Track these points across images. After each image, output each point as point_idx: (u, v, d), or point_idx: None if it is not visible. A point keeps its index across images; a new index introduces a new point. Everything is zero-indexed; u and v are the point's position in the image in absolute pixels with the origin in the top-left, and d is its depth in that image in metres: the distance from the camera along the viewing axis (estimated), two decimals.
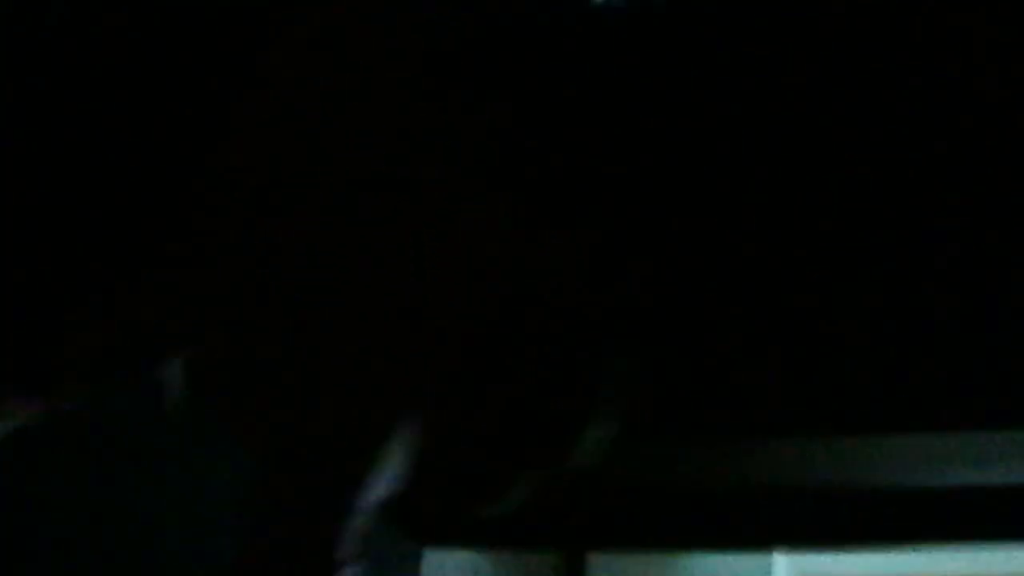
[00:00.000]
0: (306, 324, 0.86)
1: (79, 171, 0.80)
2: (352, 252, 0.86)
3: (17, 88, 0.78)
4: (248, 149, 0.83)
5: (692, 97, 1.90)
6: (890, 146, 1.92)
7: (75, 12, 0.83)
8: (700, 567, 4.56)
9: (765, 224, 1.94)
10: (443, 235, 0.88)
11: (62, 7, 0.82)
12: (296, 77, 0.85)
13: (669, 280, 1.89)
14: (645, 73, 1.85)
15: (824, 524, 2.35)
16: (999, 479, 2.13)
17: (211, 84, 0.82)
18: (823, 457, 2.04)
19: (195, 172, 0.83)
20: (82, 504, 1.90)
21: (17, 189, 0.77)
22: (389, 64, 0.87)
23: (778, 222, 1.95)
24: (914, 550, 2.70)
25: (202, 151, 0.81)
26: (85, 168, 0.80)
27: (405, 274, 0.87)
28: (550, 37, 0.92)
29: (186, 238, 0.83)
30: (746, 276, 1.92)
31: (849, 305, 1.87)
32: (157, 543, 2.02)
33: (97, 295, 0.82)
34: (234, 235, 0.84)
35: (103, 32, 0.81)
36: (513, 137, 0.91)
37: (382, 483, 0.94)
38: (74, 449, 1.86)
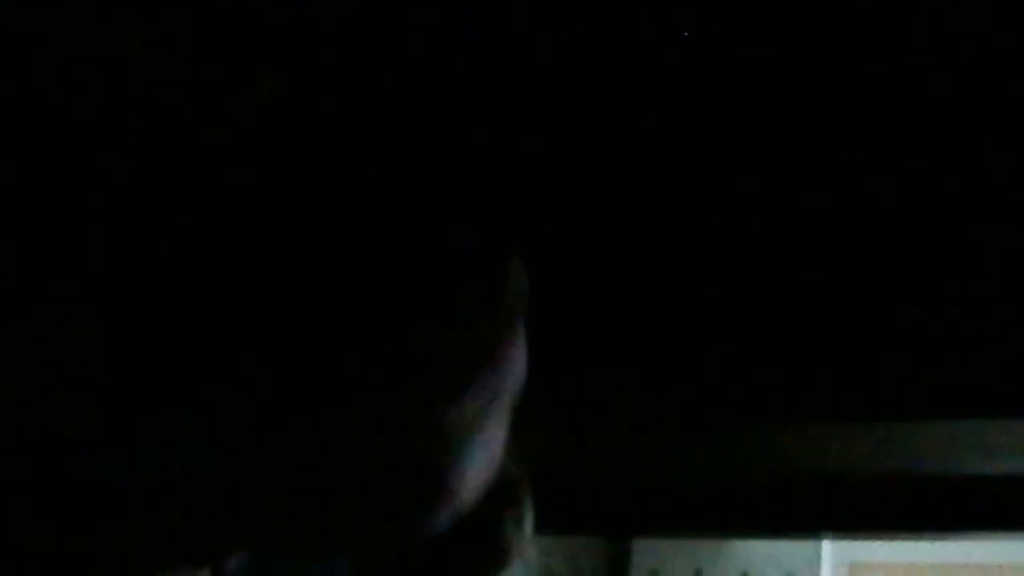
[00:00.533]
0: None
1: None
2: None
3: None
4: None
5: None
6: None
7: None
8: (747, 554, 4.56)
9: (789, 212, 1.93)
10: None
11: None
12: None
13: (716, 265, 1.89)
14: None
15: (872, 511, 2.34)
16: None
17: None
18: (871, 443, 2.03)
19: None
20: None
21: None
22: None
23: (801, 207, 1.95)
24: (964, 538, 2.69)
25: None
26: None
27: None
28: None
29: None
30: (787, 260, 1.92)
31: (889, 287, 1.86)
32: None
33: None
34: None
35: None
36: None
37: None
38: None
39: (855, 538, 3.62)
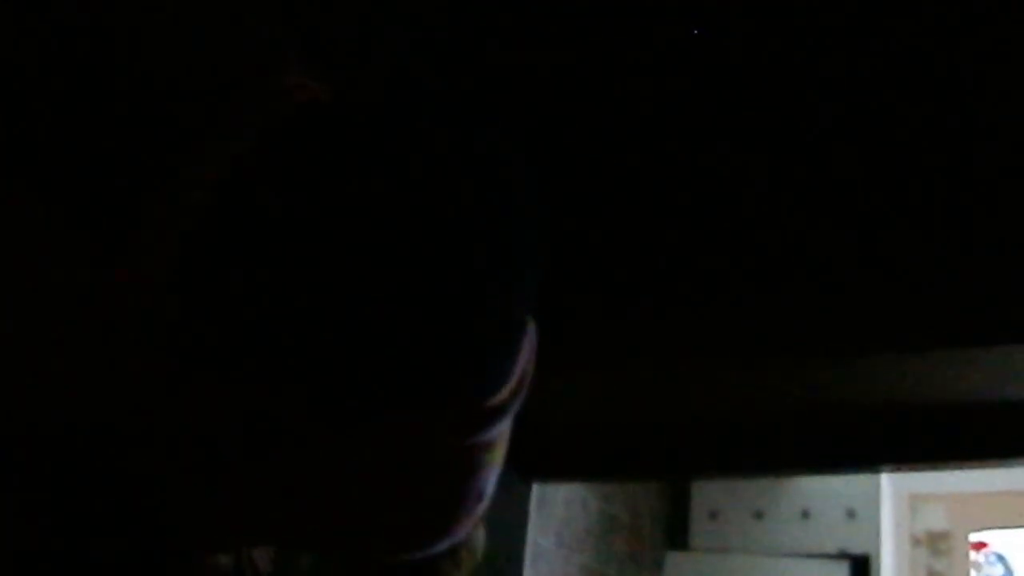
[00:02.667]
0: None
1: None
2: None
3: None
4: None
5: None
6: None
7: None
8: (806, 492, 4.58)
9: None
10: None
11: None
12: None
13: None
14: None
15: (931, 442, 2.34)
16: None
17: None
18: (928, 373, 2.03)
19: None
20: None
21: None
22: None
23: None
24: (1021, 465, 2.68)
25: None
26: None
27: None
28: None
29: None
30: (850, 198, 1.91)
31: (941, 215, 1.86)
32: None
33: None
34: None
35: None
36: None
37: None
38: None
39: (914, 469, 3.62)
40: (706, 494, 4.36)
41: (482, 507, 1.02)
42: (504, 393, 0.91)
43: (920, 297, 1.81)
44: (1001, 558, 4.47)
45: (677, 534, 4.35)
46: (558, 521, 3.53)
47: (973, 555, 4.48)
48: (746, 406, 2.20)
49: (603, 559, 3.83)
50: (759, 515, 4.26)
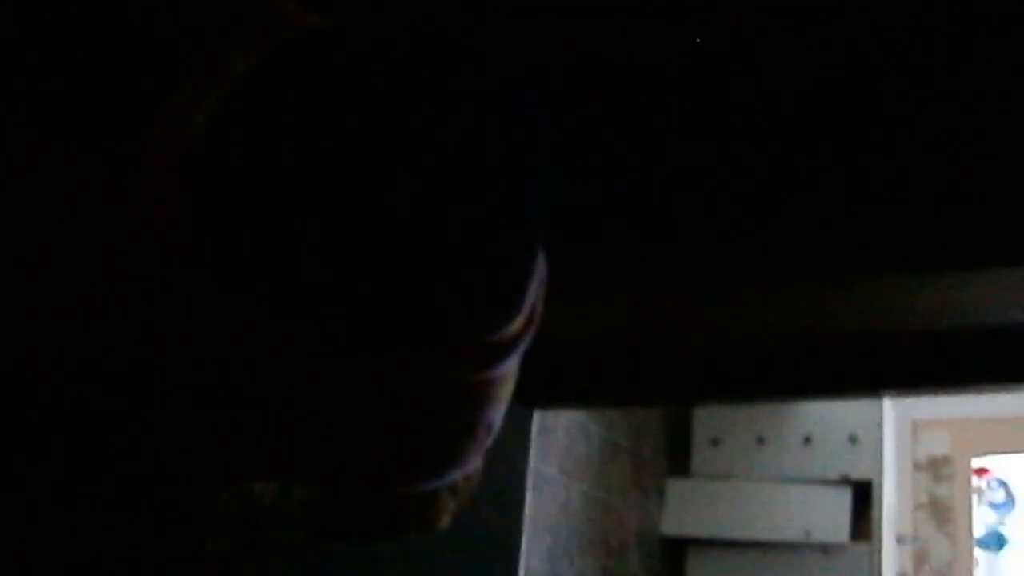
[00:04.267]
0: None
1: None
2: None
3: None
4: None
5: None
6: None
7: None
8: (808, 418, 4.59)
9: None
10: None
11: None
12: None
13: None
14: None
15: (932, 366, 2.34)
16: None
17: None
18: (926, 297, 2.02)
19: None
20: None
21: None
22: None
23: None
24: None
25: None
26: None
27: None
28: None
29: None
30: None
31: (939, 140, 1.83)
32: None
33: None
34: None
35: None
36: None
37: None
38: None
39: (916, 395, 3.62)
40: (708, 421, 4.37)
41: (490, 439, 1.03)
42: (513, 328, 0.90)
43: (923, 220, 1.79)
44: (1003, 483, 4.49)
45: (679, 461, 4.37)
46: (560, 449, 3.54)
47: (975, 480, 4.50)
48: (748, 332, 2.19)
49: (605, 486, 3.85)
50: (761, 441, 4.27)
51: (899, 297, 1.98)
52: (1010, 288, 1.92)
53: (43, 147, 0.87)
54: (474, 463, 1.03)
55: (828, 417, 4.23)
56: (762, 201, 1.78)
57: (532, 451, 3.25)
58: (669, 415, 4.45)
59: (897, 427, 4.37)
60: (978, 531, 4.36)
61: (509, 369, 0.96)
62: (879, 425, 4.14)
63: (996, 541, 4.35)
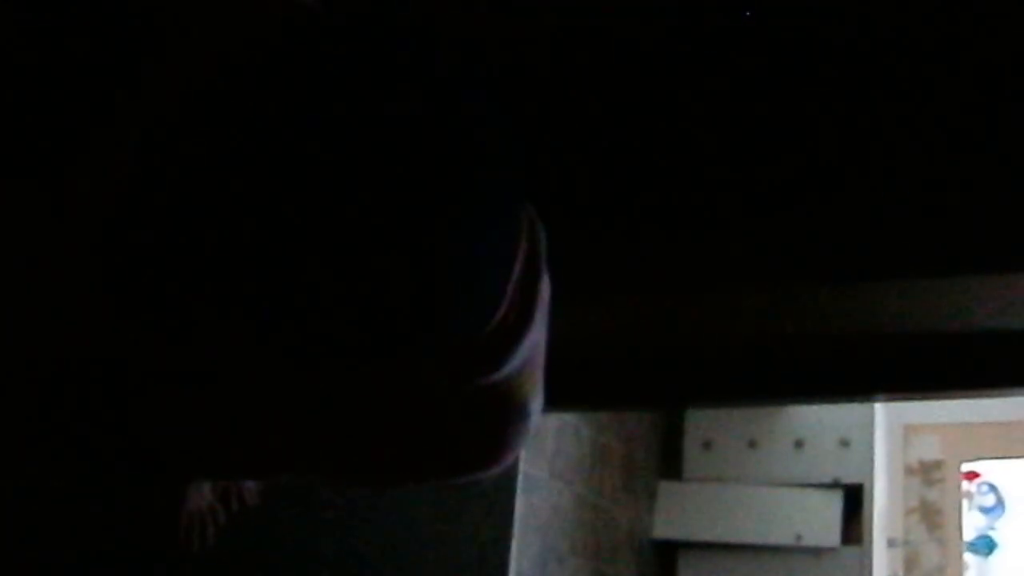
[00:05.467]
0: None
1: None
2: None
3: None
4: None
5: None
6: None
7: None
8: (800, 422, 4.59)
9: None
10: None
11: None
12: None
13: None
14: None
15: (924, 371, 2.34)
16: None
17: None
18: (920, 301, 2.02)
19: None
20: None
21: None
22: None
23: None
24: (1017, 394, 2.68)
25: None
26: None
27: None
28: None
29: None
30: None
31: (935, 143, 1.83)
32: None
33: None
34: None
35: None
36: None
37: None
38: None
39: (907, 399, 3.62)
40: (699, 424, 4.37)
41: (532, 425, 1.00)
42: (496, 323, 0.85)
43: (916, 225, 1.78)
44: (993, 488, 4.50)
45: (670, 464, 4.37)
46: (550, 451, 3.54)
47: (965, 485, 4.51)
48: (740, 335, 2.19)
49: (595, 489, 3.84)
50: (753, 445, 4.27)
51: (892, 301, 1.98)
52: (1003, 293, 1.92)
53: None
54: (519, 447, 1.00)
55: (820, 421, 4.24)
56: (755, 204, 1.78)
57: (522, 453, 3.25)
58: (661, 418, 4.45)
59: (888, 431, 4.37)
60: (968, 535, 4.37)
61: (519, 367, 0.91)
62: (870, 429, 4.15)
63: (986, 545, 4.36)
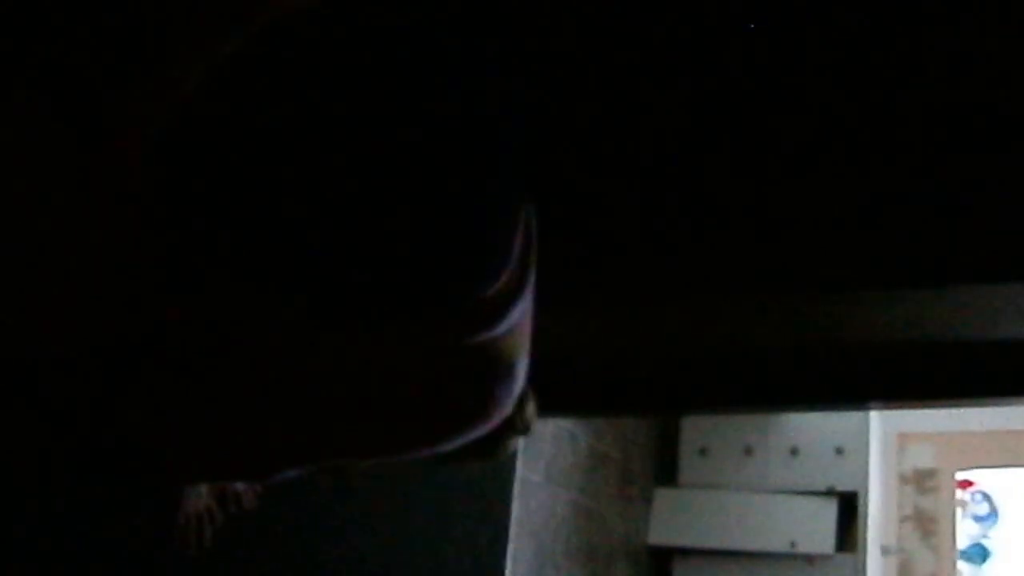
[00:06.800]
0: None
1: None
2: None
3: None
4: None
5: None
6: None
7: None
8: (795, 429, 4.60)
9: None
10: None
11: None
12: None
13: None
14: None
15: (920, 379, 2.35)
16: None
17: None
18: (915, 311, 2.03)
19: None
20: None
21: None
22: None
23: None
24: (1012, 403, 2.69)
25: None
26: None
27: None
28: None
29: None
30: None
31: (931, 152, 1.84)
32: None
33: None
34: None
35: None
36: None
37: None
38: None
39: (902, 407, 3.63)
40: (696, 431, 4.38)
41: (518, 387, 1.05)
42: (502, 283, 0.92)
43: (911, 234, 1.80)
44: (986, 496, 4.51)
45: (666, 470, 4.38)
46: (547, 457, 3.55)
47: (959, 493, 4.52)
48: (736, 342, 2.20)
49: (591, 495, 3.85)
50: (748, 452, 4.28)
51: (887, 311, 1.99)
52: (998, 303, 1.93)
53: (24, 111, 0.87)
54: (506, 410, 1.05)
55: (815, 429, 4.25)
56: (751, 212, 1.79)
57: (519, 459, 3.25)
58: (657, 424, 4.46)
59: (883, 440, 4.39)
60: (962, 543, 4.38)
61: (512, 327, 0.97)
62: (865, 438, 4.17)
63: (979, 553, 4.37)
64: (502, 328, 0.95)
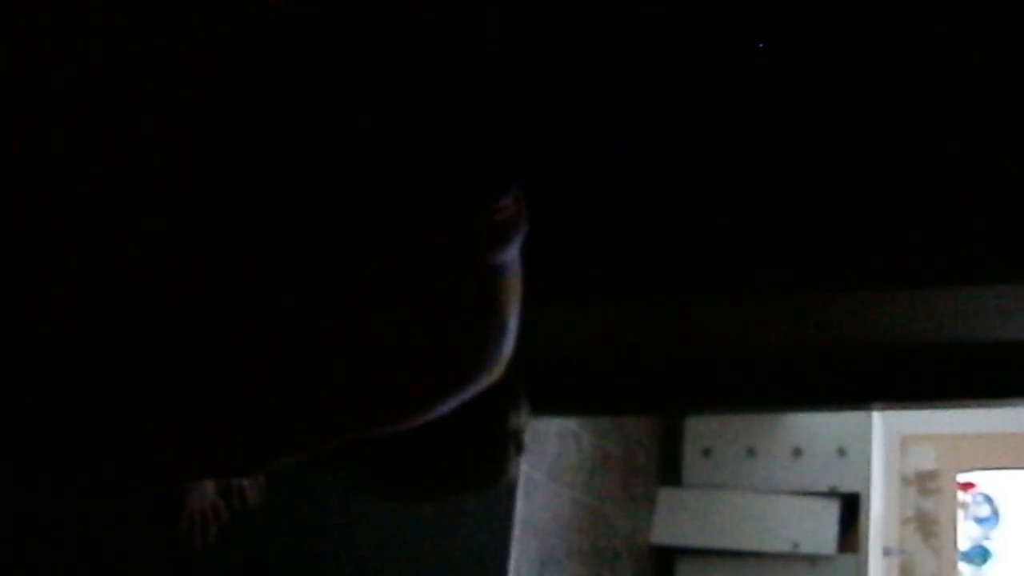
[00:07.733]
0: None
1: None
2: None
3: None
4: None
5: None
6: None
7: None
8: (798, 430, 4.61)
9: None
10: None
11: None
12: None
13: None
14: None
15: (923, 381, 2.35)
16: None
17: None
18: (919, 311, 2.03)
19: None
20: None
21: None
22: None
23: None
24: (1016, 405, 2.70)
25: None
26: None
27: None
28: None
29: None
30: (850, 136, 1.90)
31: (936, 153, 1.84)
32: None
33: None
34: None
35: None
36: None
37: None
38: None
39: (905, 408, 3.64)
40: (699, 431, 4.39)
41: (508, 343, 1.08)
42: (508, 207, 1.00)
43: (914, 235, 1.80)
44: (988, 498, 4.52)
45: (670, 470, 4.39)
46: (551, 456, 3.56)
47: (961, 495, 4.53)
48: (739, 343, 2.20)
49: (595, 494, 3.86)
50: (751, 452, 4.29)
51: (889, 311, 2.00)
52: (1002, 304, 1.93)
53: None
54: (498, 365, 1.07)
55: (818, 430, 4.26)
56: (754, 213, 1.80)
57: (523, 457, 3.26)
58: (661, 424, 4.47)
59: (885, 441, 4.40)
60: (963, 545, 4.39)
61: (511, 261, 1.02)
62: (868, 439, 4.17)
63: (981, 555, 4.38)
64: (507, 255, 1.01)
